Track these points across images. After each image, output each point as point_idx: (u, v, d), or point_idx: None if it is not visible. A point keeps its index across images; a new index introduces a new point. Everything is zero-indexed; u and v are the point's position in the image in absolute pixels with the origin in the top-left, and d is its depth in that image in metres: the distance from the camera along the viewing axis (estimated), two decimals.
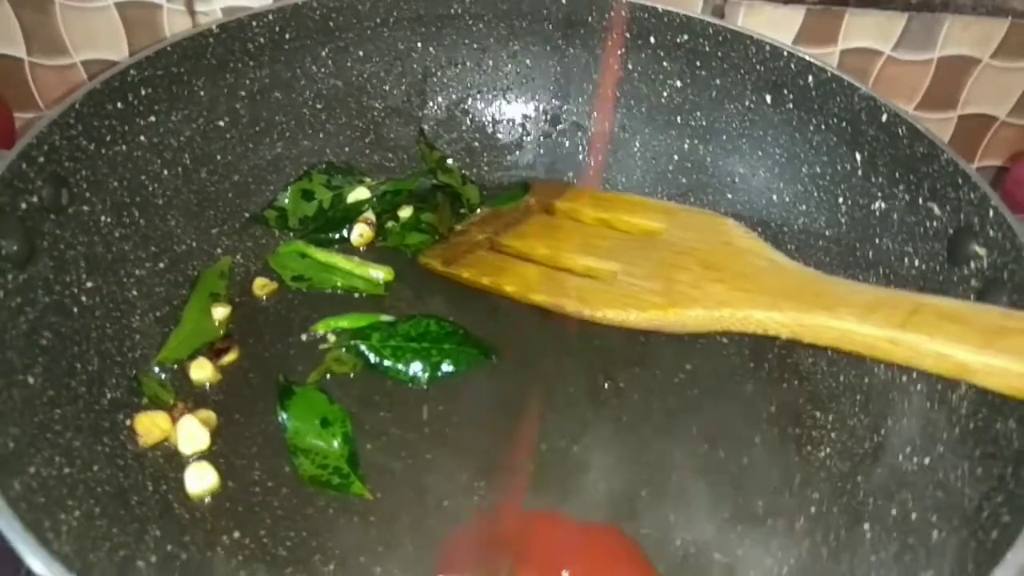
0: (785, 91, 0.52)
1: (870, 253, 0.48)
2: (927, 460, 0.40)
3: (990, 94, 0.66)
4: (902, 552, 0.37)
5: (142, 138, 0.47)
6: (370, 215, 0.55)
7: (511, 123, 0.60)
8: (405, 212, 0.55)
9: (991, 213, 0.41)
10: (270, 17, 0.51)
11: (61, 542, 0.31)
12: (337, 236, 0.54)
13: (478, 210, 0.56)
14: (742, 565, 0.39)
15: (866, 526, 0.40)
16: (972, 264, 0.42)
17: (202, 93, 0.50)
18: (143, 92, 0.46)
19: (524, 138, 0.60)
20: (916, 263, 0.46)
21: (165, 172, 0.48)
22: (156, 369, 0.44)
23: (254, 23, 0.50)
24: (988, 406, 0.38)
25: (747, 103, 0.54)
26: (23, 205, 0.40)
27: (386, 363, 0.46)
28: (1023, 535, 0.28)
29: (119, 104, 0.45)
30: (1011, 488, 0.33)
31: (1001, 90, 0.66)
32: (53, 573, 0.26)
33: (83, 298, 0.42)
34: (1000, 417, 0.37)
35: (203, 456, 0.42)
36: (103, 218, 0.45)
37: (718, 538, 0.40)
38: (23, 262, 0.39)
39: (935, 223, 0.45)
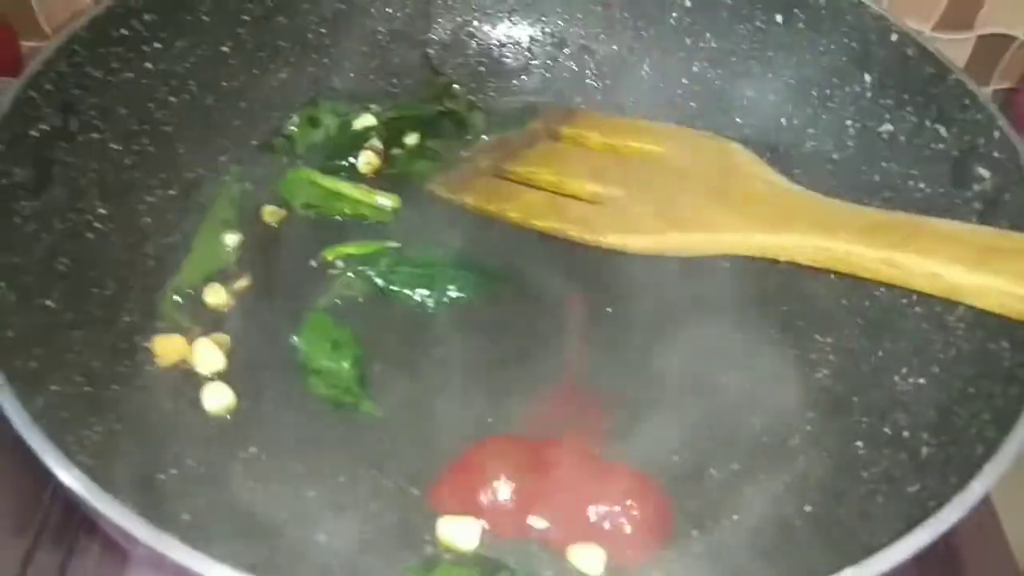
0: (796, 10, 0.51)
1: (877, 176, 0.48)
2: (922, 380, 0.41)
3: (1008, 13, 0.64)
4: (892, 468, 0.38)
5: (148, 64, 0.47)
6: (376, 142, 0.55)
7: (517, 46, 0.59)
8: (411, 139, 0.56)
9: (996, 135, 0.41)
10: None
11: (85, 455, 0.33)
12: (344, 163, 0.54)
13: (484, 136, 0.56)
14: (736, 479, 0.41)
15: (859, 443, 0.41)
16: (976, 187, 0.42)
17: (206, 18, 0.50)
18: (146, 18, 0.46)
19: (531, 62, 0.59)
20: (921, 185, 0.46)
21: (172, 99, 0.49)
22: (171, 294, 0.46)
23: None
24: (983, 327, 0.38)
25: (757, 24, 0.53)
26: (33, 132, 0.40)
27: (393, 288, 0.47)
28: (1002, 449, 0.29)
29: (123, 31, 0.45)
30: (999, 405, 0.34)
31: (1020, 9, 0.64)
32: (78, 481, 0.27)
33: (97, 224, 0.44)
34: (993, 338, 0.37)
35: (219, 376, 0.43)
36: (112, 145, 0.45)
37: (714, 455, 0.42)
38: (37, 189, 0.40)
39: (941, 145, 0.45)
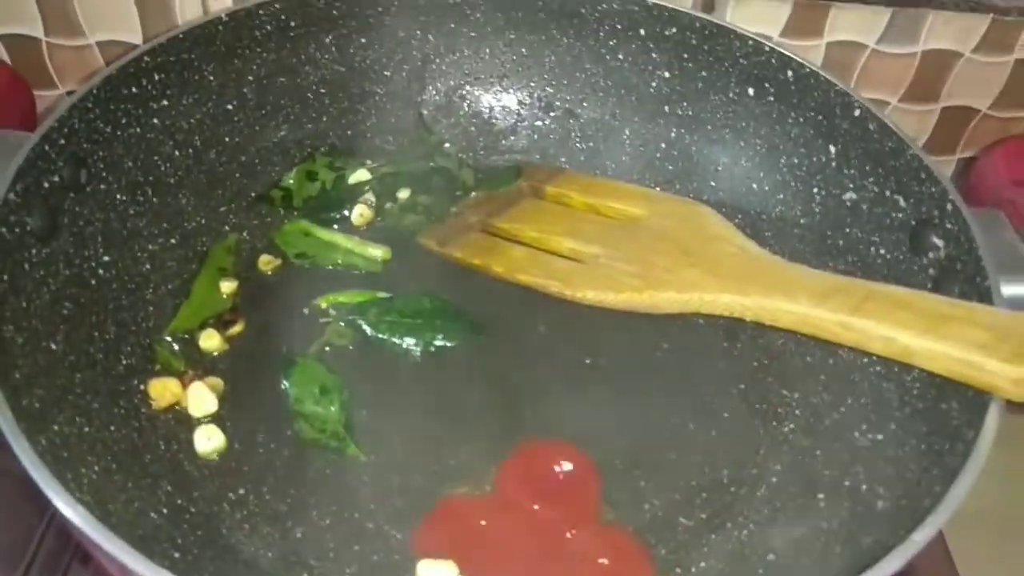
0: (767, 84, 0.54)
1: (841, 241, 0.51)
2: (880, 436, 0.43)
3: (972, 87, 0.68)
4: (850, 519, 0.40)
5: (155, 121, 0.50)
6: (370, 196, 0.58)
7: (506, 109, 0.62)
8: (403, 194, 0.58)
9: (949, 207, 0.44)
10: (277, 5, 0.53)
11: (83, 493, 0.34)
12: (338, 216, 0.57)
13: (472, 193, 0.59)
14: (705, 528, 0.43)
15: (820, 495, 0.43)
16: (931, 254, 0.45)
17: (212, 78, 0.53)
18: (156, 77, 0.49)
19: (518, 124, 0.62)
20: (882, 252, 0.49)
21: (176, 153, 0.51)
22: (168, 338, 0.48)
23: (261, 11, 0.53)
24: (936, 388, 0.41)
25: (731, 95, 0.56)
26: (46, 184, 0.43)
27: (382, 336, 0.50)
28: (944, 502, 0.32)
29: (134, 88, 0.48)
30: (946, 461, 0.36)
31: (982, 83, 0.68)
32: (78, 515, 0.29)
33: (100, 271, 0.46)
34: (945, 398, 0.40)
35: (211, 419, 0.45)
36: (119, 196, 0.48)
37: (684, 504, 0.44)
38: (46, 237, 0.42)
39: (899, 215, 0.48)
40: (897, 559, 0.29)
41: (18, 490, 0.46)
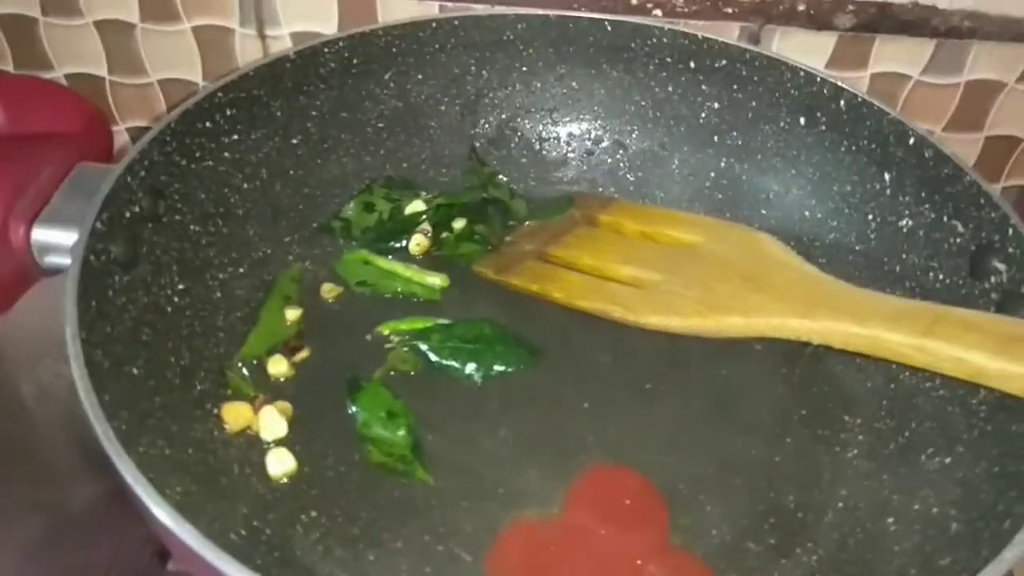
0: (818, 114, 0.55)
1: (897, 267, 0.52)
2: (948, 460, 0.43)
3: (1016, 117, 0.69)
4: (923, 543, 0.40)
5: (226, 154, 0.52)
6: (426, 226, 0.59)
7: (557, 141, 0.64)
8: (458, 224, 0.59)
9: (1010, 232, 0.44)
10: (341, 44, 0.55)
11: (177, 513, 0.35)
12: (396, 245, 0.58)
13: (526, 223, 0.60)
14: (774, 553, 0.43)
15: (890, 520, 0.43)
16: (992, 279, 0.45)
17: (279, 113, 0.54)
18: (228, 112, 0.51)
19: (569, 155, 0.64)
20: (940, 277, 0.49)
21: (245, 185, 0.53)
22: (238, 364, 0.49)
23: (326, 49, 0.55)
24: (1005, 410, 0.41)
25: (782, 124, 0.57)
26: (127, 214, 0.44)
27: (444, 362, 0.50)
28: None
29: (208, 123, 0.50)
30: None
31: None
32: (178, 524, 0.30)
33: (176, 299, 0.47)
34: (1016, 420, 0.40)
35: (281, 443, 0.46)
36: (192, 227, 0.49)
37: (752, 529, 0.44)
38: (128, 265, 0.44)
39: (958, 240, 0.48)
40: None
41: (81, 528, 0.47)
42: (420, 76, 0.60)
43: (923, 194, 0.50)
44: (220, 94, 0.50)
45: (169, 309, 0.46)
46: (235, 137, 0.52)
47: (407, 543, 0.42)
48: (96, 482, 0.52)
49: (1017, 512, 0.33)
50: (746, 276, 0.47)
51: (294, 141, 0.56)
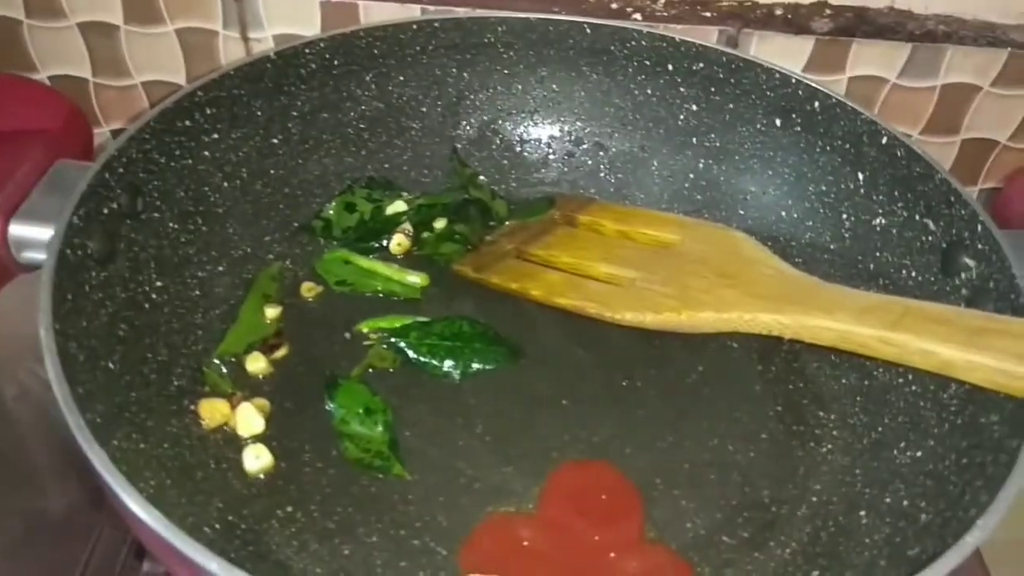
0: (794, 115, 0.56)
1: (871, 265, 0.52)
2: (919, 453, 0.44)
3: (991, 120, 0.70)
4: (893, 534, 0.41)
5: (206, 153, 0.52)
6: (407, 226, 0.59)
7: (538, 143, 0.64)
8: (439, 224, 0.60)
9: (979, 228, 0.45)
10: (322, 45, 0.56)
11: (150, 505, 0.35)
12: (377, 245, 0.58)
13: (506, 222, 0.60)
14: (748, 546, 0.43)
15: (862, 513, 0.43)
16: (963, 275, 0.46)
17: (259, 113, 0.55)
18: (208, 111, 0.51)
19: (549, 157, 0.64)
20: (913, 274, 0.50)
21: (225, 184, 0.53)
22: (216, 361, 0.49)
23: (307, 50, 0.55)
24: (974, 403, 0.41)
25: (758, 126, 0.58)
26: (105, 210, 0.45)
27: (423, 359, 0.51)
28: (993, 506, 0.32)
29: (187, 122, 0.50)
30: (990, 472, 0.36)
31: (1002, 116, 0.70)
32: (150, 515, 0.30)
33: (154, 295, 0.47)
34: (984, 412, 0.40)
35: (259, 439, 0.46)
36: (171, 224, 0.50)
37: (726, 522, 0.44)
38: (105, 261, 0.44)
39: (930, 238, 0.49)
40: (950, 560, 0.30)
41: (59, 527, 0.47)
42: (401, 78, 0.60)
43: (896, 193, 0.51)
44: (200, 93, 0.51)
45: (147, 305, 0.47)
46: (215, 136, 0.52)
47: (383, 537, 0.42)
48: (74, 483, 0.52)
49: (982, 501, 0.34)
50: (721, 273, 0.48)
51: (275, 141, 0.56)
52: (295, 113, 0.57)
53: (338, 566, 0.41)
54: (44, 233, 0.42)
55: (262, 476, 0.45)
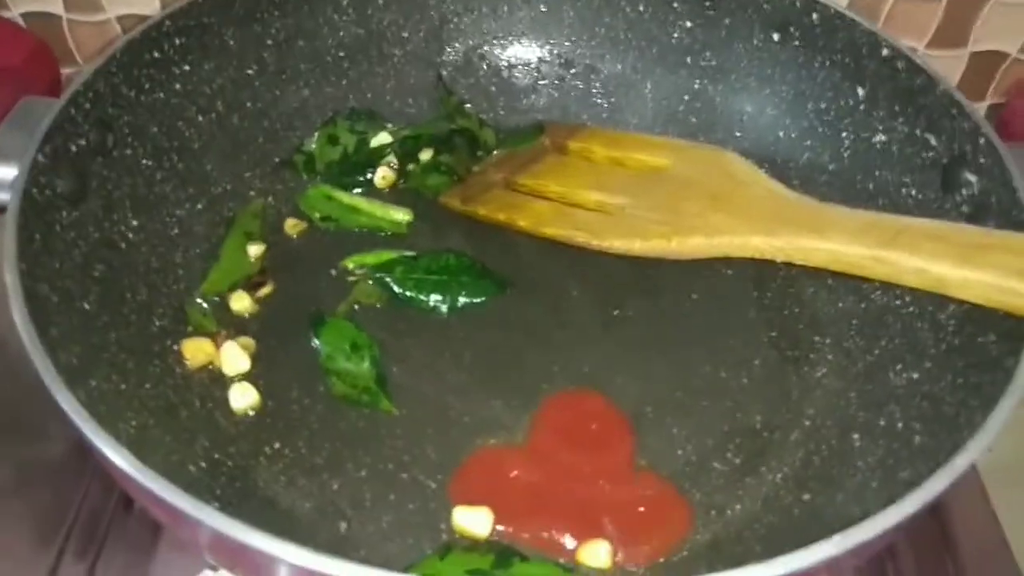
0: (791, 29, 0.53)
1: (870, 185, 0.50)
2: (915, 375, 0.43)
3: (1000, 30, 0.67)
4: (886, 457, 0.40)
5: (177, 86, 0.50)
6: (392, 159, 0.57)
7: (526, 67, 0.62)
8: (425, 155, 0.58)
9: (982, 141, 0.43)
10: None
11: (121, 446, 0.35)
12: (362, 179, 0.57)
13: (494, 152, 0.59)
14: (740, 471, 0.43)
15: (855, 436, 0.43)
16: (964, 191, 0.44)
17: (232, 42, 0.53)
18: (177, 42, 0.49)
19: (539, 81, 0.62)
20: (913, 192, 0.48)
21: (200, 118, 0.52)
22: (199, 300, 0.48)
23: None
24: (972, 323, 0.40)
25: (755, 42, 0.55)
26: (73, 147, 0.43)
27: (409, 294, 0.50)
28: (985, 426, 0.31)
29: (156, 53, 0.48)
30: (985, 392, 0.35)
31: (1012, 26, 0.67)
32: (122, 457, 0.30)
33: (130, 235, 0.46)
34: (982, 332, 0.39)
35: (244, 377, 0.45)
36: (144, 161, 0.48)
37: (718, 449, 0.44)
38: (76, 200, 0.43)
39: (931, 153, 0.47)
40: (939, 482, 0.29)
41: (46, 469, 0.47)
42: (381, 1, 0.58)
43: (896, 107, 0.49)
44: (168, 22, 0.49)
45: (123, 245, 0.46)
46: (186, 68, 0.50)
47: (371, 472, 0.42)
48: (60, 430, 0.52)
49: (976, 422, 0.33)
50: (712, 196, 0.46)
51: (249, 72, 0.54)
52: (269, 42, 0.54)
53: (327, 500, 0.41)
54: (10, 173, 0.41)
55: (249, 413, 0.44)
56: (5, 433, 0.49)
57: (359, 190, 0.56)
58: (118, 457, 0.30)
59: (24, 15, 0.69)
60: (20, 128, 0.44)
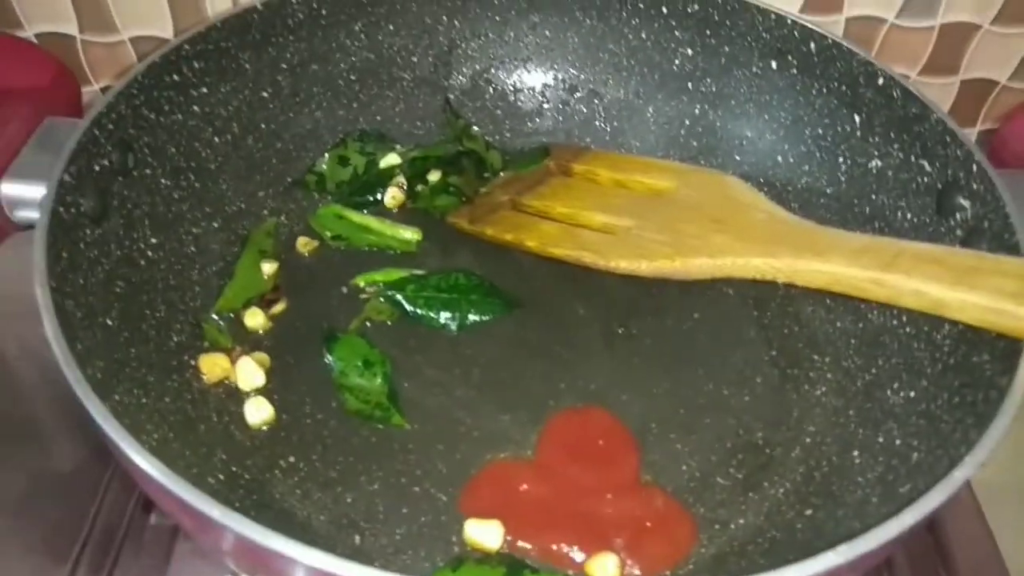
0: (789, 57, 0.55)
1: (867, 208, 0.52)
2: (912, 394, 0.44)
3: (991, 59, 0.69)
4: (886, 473, 0.41)
5: (195, 108, 0.52)
6: (401, 179, 0.59)
7: (531, 91, 0.64)
8: (434, 176, 0.59)
9: (974, 168, 0.45)
10: None
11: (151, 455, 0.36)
12: (371, 199, 0.58)
13: (501, 173, 0.60)
14: (742, 487, 0.44)
15: (855, 453, 0.44)
16: (958, 215, 0.46)
17: (248, 66, 0.54)
18: (196, 65, 0.51)
19: (544, 105, 0.64)
20: (908, 216, 0.50)
21: (216, 139, 0.53)
22: (215, 316, 0.49)
23: (294, 0, 0.55)
24: (967, 343, 0.42)
25: (754, 69, 0.57)
26: (96, 167, 0.44)
27: (419, 311, 0.51)
28: (981, 442, 0.33)
29: (175, 76, 0.50)
30: (980, 410, 0.37)
31: (1001, 55, 0.69)
32: (150, 463, 0.31)
33: (149, 252, 0.47)
34: (976, 352, 0.41)
35: (259, 392, 0.46)
36: (163, 181, 0.49)
37: (721, 464, 0.45)
38: (98, 218, 0.44)
39: (925, 179, 0.48)
40: (939, 494, 0.30)
41: (61, 485, 0.48)
42: (391, 27, 0.60)
43: (892, 134, 0.50)
44: (187, 46, 0.50)
45: (142, 262, 0.47)
46: (204, 90, 0.52)
47: (384, 485, 0.43)
48: (78, 437, 0.52)
49: (972, 438, 0.34)
50: (714, 218, 0.48)
51: (264, 94, 0.55)
52: (284, 65, 0.56)
53: (341, 513, 0.42)
54: (37, 191, 0.42)
55: (264, 428, 0.45)
56: (20, 446, 0.50)
57: (369, 210, 0.57)
58: (149, 466, 0.31)
59: (39, 35, 0.70)
60: (45, 148, 0.45)
